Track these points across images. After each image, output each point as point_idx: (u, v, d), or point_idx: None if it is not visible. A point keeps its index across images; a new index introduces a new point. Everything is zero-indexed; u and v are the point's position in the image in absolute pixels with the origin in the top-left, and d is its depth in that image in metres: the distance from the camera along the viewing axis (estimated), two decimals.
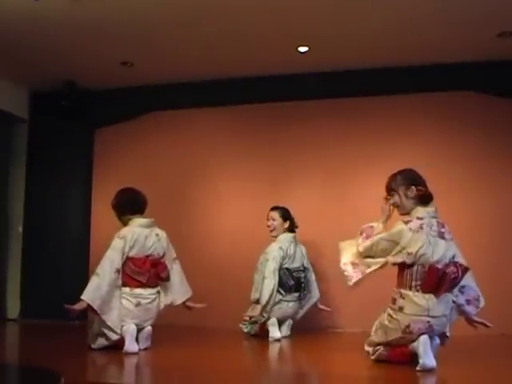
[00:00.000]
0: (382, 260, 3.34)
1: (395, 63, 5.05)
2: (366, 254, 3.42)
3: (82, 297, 3.73)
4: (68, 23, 4.32)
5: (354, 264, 3.42)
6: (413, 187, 3.40)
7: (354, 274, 3.38)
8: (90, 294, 3.74)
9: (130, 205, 4.12)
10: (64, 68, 5.27)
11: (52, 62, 5.13)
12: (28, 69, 5.32)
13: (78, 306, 3.74)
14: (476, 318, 3.43)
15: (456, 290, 3.34)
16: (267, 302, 4.46)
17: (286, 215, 4.83)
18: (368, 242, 3.42)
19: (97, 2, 4.00)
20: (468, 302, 3.38)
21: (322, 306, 4.77)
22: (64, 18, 4.24)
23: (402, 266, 3.31)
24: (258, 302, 4.54)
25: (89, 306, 3.72)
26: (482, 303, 3.41)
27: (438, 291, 3.20)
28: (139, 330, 3.88)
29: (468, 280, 3.39)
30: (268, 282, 4.50)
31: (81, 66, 5.23)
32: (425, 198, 3.40)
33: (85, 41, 4.66)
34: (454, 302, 3.32)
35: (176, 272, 4.14)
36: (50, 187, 5.79)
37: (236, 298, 4.65)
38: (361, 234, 3.48)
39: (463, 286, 3.37)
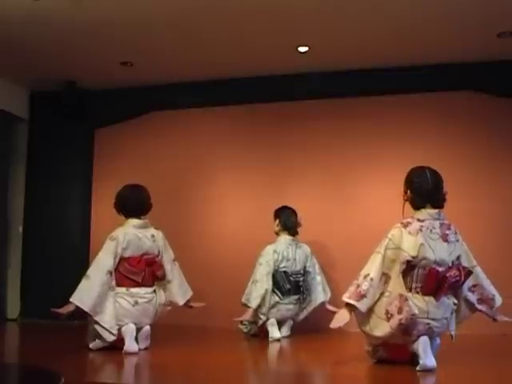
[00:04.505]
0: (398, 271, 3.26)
1: (395, 63, 5.05)
2: (385, 272, 3.29)
3: (71, 299, 3.74)
4: (68, 23, 4.32)
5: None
6: (408, 191, 3.41)
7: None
8: (80, 296, 3.75)
9: (123, 209, 4.13)
10: (64, 68, 5.28)
11: (52, 62, 5.13)
12: (28, 69, 5.32)
13: (63, 309, 3.75)
14: (498, 317, 3.43)
15: (466, 290, 3.35)
16: (259, 306, 4.43)
17: (275, 215, 4.80)
18: (378, 258, 3.28)
19: (97, 2, 4.01)
20: (480, 301, 3.38)
21: (330, 307, 4.58)
22: (64, 19, 4.24)
23: (404, 268, 3.28)
24: (246, 305, 4.48)
25: (78, 307, 3.72)
26: (499, 302, 3.40)
27: (437, 294, 3.19)
28: (138, 329, 3.88)
29: (480, 279, 3.39)
30: (259, 286, 4.46)
31: (81, 66, 5.23)
32: (413, 204, 3.38)
33: (85, 41, 4.66)
34: (466, 300, 3.35)
35: (176, 273, 4.15)
36: (50, 187, 5.78)
37: (236, 297, 4.63)
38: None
39: (475, 286, 3.38)
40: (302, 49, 4.82)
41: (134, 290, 3.90)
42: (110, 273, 3.87)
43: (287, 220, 4.75)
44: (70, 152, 5.82)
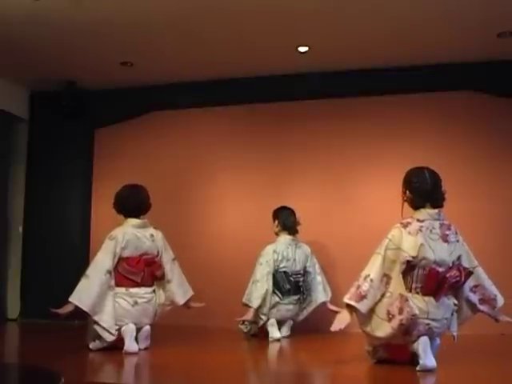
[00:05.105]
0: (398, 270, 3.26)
1: (395, 63, 5.05)
2: (385, 273, 3.28)
3: (70, 299, 3.75)
4: (68, 23, 4.32)
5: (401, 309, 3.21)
6: (406, 191, 3.40)
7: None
8: (79, 296, 3.75)
9: (122, 209, 4.14)
10: (64, 68, 5.28)
11: (52, 62, 5.13)
12: (28, 69, 5.32)
13: (63, 310, 3.76)
14: (501, 317, 3.43)
15: (467, 291, 3.35)
16: (260, 306, 4.43)
17: (273, 215, 4.80)
18: (379, 259, 3.28)
19: (97, 2, 4.01)
20: (482, 301, 3.38)
21: (332, 307, 4.55)
22: (64, 19, 4.24)
23: (404, 268, 3.28)
24: (247, 305, 4.48)
25: (77, 307, 3.72)
26: (500, 302, 3.39)
27: (437, 294, 3.19)
28: (138, 329, 3.88)
29: (482, 280, 3.39)
30: (260, 286, 4.46)
31: (81, 66, 5.23)
32: (412, 204, 3.38)
33: (85, 41, 4.66)
34: (468, 301, 3.35)
35: (176, 273, 4.15)
36: (50, 187, 5.79)
37: (236, 297, 4.63)
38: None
39: (476, 286, 3.37)
40: (302, 49, 4.82)
41: (133, 290, 3.90)
42: (109, 272, 3.87)
43: (286, 220, 4.75)
44: (70, 152, 5.82)
